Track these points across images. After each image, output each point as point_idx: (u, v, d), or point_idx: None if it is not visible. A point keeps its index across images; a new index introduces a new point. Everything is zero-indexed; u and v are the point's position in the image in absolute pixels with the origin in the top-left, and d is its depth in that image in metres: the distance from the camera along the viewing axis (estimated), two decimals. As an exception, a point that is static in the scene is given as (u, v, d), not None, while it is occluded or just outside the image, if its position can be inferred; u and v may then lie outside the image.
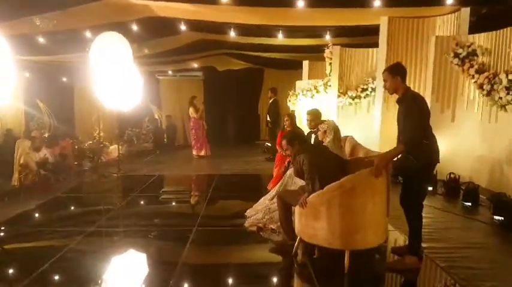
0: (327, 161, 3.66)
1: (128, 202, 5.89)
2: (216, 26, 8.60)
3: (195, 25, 8.44)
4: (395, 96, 3.53)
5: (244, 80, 13.61)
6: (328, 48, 8.26)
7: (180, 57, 11.89)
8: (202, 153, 9.79)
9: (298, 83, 9.42)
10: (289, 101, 9.35)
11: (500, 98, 5.61)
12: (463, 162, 6.40)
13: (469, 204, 5.39)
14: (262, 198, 5.04)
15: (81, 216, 5.34)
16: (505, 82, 5.56)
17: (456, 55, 6.53)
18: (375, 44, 8.21)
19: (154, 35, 8.85)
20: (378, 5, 6.66)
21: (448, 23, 7.11)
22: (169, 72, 13.46)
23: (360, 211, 3.28)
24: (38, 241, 4.32)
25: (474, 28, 6.74)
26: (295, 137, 4.01)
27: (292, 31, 8.51)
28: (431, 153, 3.33)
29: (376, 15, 7.43)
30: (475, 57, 6.38)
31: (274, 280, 3.41)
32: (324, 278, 3.27)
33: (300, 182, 4.54)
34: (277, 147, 6.38)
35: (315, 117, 5.14)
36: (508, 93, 5.49)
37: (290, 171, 4.89)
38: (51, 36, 7.73)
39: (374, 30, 7.97)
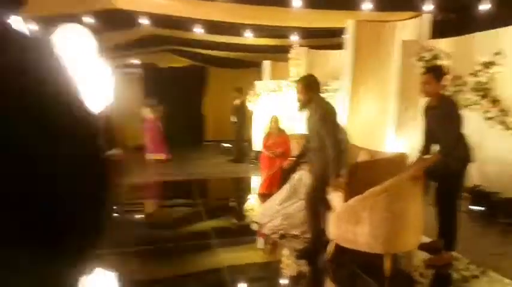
0: None
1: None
2: (176, 21, 8.18)
3: (154, 19, 7.92)
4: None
5: (186, 78, 13.15)
6: (294, 49, 8.31)
7: (122, 52, 11.11)
8: (159, 156, 9.18)
9: (258, 83, 9.34)
10: (250, 101, 9.22)
11: (467, 98, 6.13)
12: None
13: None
14: (267, 202, 4.89)
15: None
16: (470, 84, 6.09)
17: (421, 59, 6.98)
18: (336, 46, 8.48)
19: (105, 29, 8.10)
20: (345, 8, 6.91)
21: (410, 28, 7.56)
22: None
23: (402, 214, 3.32)
24: None
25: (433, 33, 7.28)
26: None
27: (256, 30, 8.40)
28: (466, 155, 3.50)
29: (340, 17, 7.65)
30: (438, 61, 6.87)
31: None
32: (365, 282, 3.27)
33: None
34: (263, 149, 6.24)
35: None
36: (474, 95, 6.02)
37: (298, 174, 4.81)
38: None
39: (336, 32, 8.22)
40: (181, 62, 12.94)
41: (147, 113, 9.21)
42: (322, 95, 7.94)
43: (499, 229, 4.58)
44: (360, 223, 3.32)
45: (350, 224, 3.39)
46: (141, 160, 9.17)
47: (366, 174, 4.07)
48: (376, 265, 3.31)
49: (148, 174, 8.13)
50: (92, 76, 5.87)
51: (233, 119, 9.11)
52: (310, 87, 3.64)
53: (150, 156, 9.17)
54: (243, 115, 8.98)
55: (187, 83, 13.06)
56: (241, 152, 9.05)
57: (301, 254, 3.81)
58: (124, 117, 11.52)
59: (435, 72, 3.48)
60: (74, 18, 6.85)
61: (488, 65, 5.79)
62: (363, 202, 3.32)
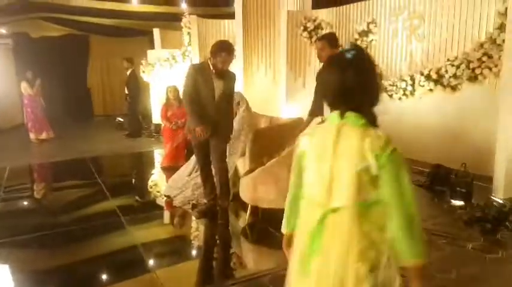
0: None
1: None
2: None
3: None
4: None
5: (65, 49, 11.97)
6: (185, 17, 8.12)
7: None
8: (44, 136, 8.36)
9: (150, 53, 8.98)
10: (143, 71, 8.84)
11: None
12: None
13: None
14: (175, 175, 4.90)
15: None
16: (351, 52, 6.73)
17: (305, 29, 7.43)
18: (224, 16, 8.53)
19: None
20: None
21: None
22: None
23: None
24: None
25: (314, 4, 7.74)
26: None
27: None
28: None
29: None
30: (320, 31, 7.39)
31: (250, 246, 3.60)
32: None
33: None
34: (163, 120, 6.13)
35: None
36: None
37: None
38: None
39: (224, 1, 8.27)
40: (58, 31, 11.69)
41: (25, 89, 8.21)
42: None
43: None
44: (279, 182, 3.46)
45: (269, 185, 3.55)
46: (23, 141, 8.28)
47: (269, 138, 4.36)
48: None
49: (33, 156, 7.40)
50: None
51: (126, 91, 8.63)
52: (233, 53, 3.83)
53: (33, 136, 8.29)
54: (135, 86, 8.56)
55: (67, 54, 11.91)
56: (136, 125, 8.72)
57: (200, 215, 4.07)
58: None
59: (328, 39, 3.77)
60: None
61: (365, 33, 6.45)
62: (282, 162, 3.52)
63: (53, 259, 3.36)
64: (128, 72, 8.53)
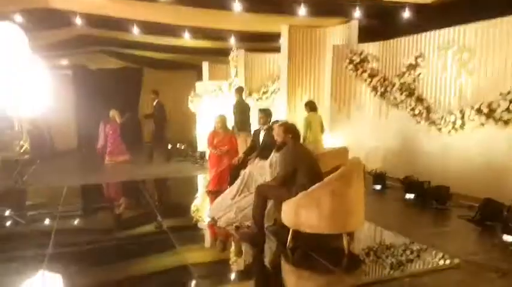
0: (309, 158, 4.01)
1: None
2: (112, 22, 8.00)
3: (89, 19, 7.66)
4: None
5: (120, 80, 12.79)
6: (233, 51, 8.51)
7: (52, 53, 10.51)
8: (124, 158, 9.34)
9: (198, 85, 9.42)
10: (192, 102, 9.27)
11: (395, 98, 6.78)
12: (358, 152, 7.41)
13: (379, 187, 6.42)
14: (219, 198, 5.02)
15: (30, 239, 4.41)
16: (397, 85, 6.74)
17: (351, 62, 7.55)
18: (272, 49, 8.84)
19: (37, 28, 7.64)
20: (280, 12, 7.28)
21: (339, 33, 8.11)
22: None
23: (354, 196, 3.64)
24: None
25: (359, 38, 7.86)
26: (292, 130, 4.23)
27: (195, 32, 8.46)
28: None
29: (276, 23, 8.00)
30: (366, 64, 7.48)
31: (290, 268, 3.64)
32: (331, 260, 3.51)
33: (261, 179, 4.75)
34: (209, 147, 6.36)
35: (265, 115, 5.41)
36: (401, 94, 6.68)
37: (248, 169, 5.01)
38: None
39: (273, 36, 8.59)
40: (114, 64, 12.57)
41: (114, 117, 9.22)
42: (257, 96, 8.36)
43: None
44: (320, 207, 3.53)
45: (312, 211, 3.57)
46: (77, 163, 8.85)
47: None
48: (331, 245, 3.75)
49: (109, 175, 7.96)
50: (27, 76, 5.48)
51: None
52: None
53: (113, 158, 9.16)
54: (161, 116, 9.06)
55: (122, 85, 12.70)
56: (166, 151, 9.30)
57: (245, 238, 4.15)
58: (55, 120, 11.04)
59: None
60: (6, 16, 6.45)
61: (412, 67, 6.47)
62: (324, 188, 3.56)
63: (108, 273, 3.52)
64: (154, 103, 9.07)
